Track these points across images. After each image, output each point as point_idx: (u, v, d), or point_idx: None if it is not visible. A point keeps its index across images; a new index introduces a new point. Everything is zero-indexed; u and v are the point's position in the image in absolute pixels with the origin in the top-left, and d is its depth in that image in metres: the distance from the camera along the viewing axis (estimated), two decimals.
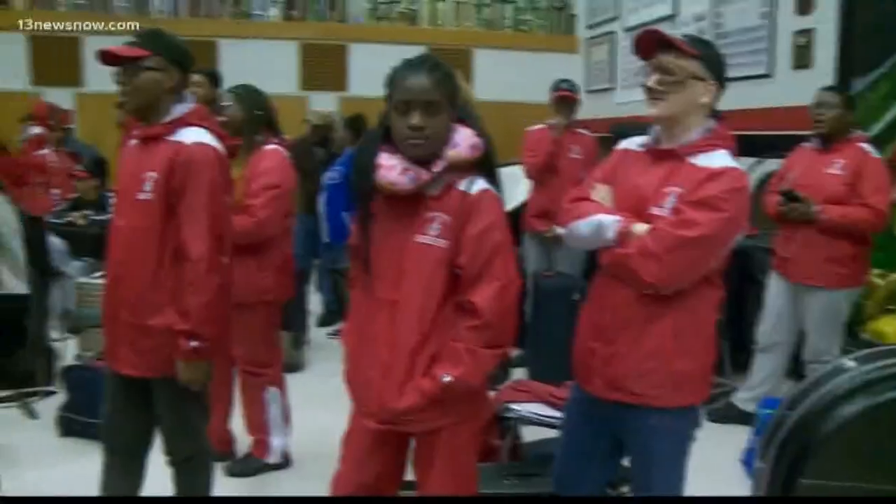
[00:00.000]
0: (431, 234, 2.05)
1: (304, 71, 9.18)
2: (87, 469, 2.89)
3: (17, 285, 1.70)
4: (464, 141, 2.06)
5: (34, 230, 1.76)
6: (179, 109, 2.58)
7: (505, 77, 8.99)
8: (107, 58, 2.51)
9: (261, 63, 7.96)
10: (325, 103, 8.31)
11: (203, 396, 2.69)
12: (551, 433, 3.22)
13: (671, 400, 2.21)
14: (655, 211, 2.16)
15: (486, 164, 2.11)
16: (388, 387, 2.09)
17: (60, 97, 8.01)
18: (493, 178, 2.12)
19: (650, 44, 2.22)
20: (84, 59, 8.54)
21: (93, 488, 2.76)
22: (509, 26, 9.71)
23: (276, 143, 3.55)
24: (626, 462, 2.43)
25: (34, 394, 4.39)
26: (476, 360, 2.03)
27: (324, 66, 9.19)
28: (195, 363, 2.51)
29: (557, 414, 3.12)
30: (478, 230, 2.03)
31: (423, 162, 2.04)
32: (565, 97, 5.33)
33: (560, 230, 2.39)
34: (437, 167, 2.04)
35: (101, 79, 8.59)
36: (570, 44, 9.50)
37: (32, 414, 4.33)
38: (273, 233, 3.45)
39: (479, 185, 2.07)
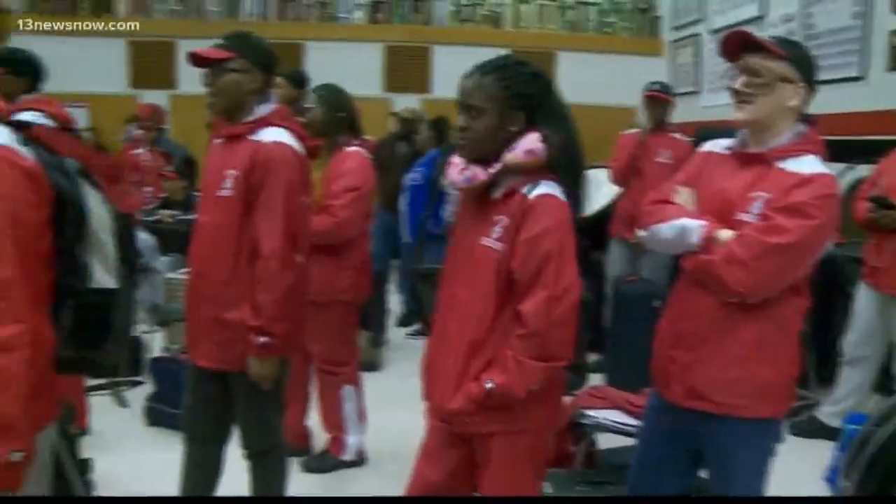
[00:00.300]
0: (493, 237, 2.02)
1: (388, 73, 9.24)
2: (171, 457, 2.95)
3: (108, 280, 1.73)
4: (523, 145, 2.01)
5: (124, 227, 1.79)
6: (262, 110, 2.62)
7: (588, 80, 8.86)
8: (195, 59, 2.57)
9: (345, 65, 8.03)
10: (408, 105, 8.34)
11: (279, 392, 2.72)
12: (628, 441, 3.15)
13: (753, 410, 2.13)
14: (741, 216, 2.08)
15: (558, 169, 2.04)
16: (444, 385, 2.08)
17: (155, 99, 8.24)
18: (567, 184, 2.06)
19: (737, 45, 2.14)
20: (178, 62, 8.76)
21: (176, 476, 2.82)
22: (593, 29, 9.58)
23: (357, 145, 3.57)
24: (703, 473, 2.35)
25: (124, 383, 4.54)
26: (521, 369, 1.96)
27: (408, 68, 9.23)
28: (265, 359, 2.54)
29: (635, 422, 3.04)
30: (530, 235, 1.97)
31: (488, 164, 2.02)
32: (652, 97, 5.20)
33: (641, 233, 2.31)
34: (493, 169, 2.01)
35: (193, 81, 8.84)
36: (654, 46, 9.33)
37: (123, 402, 4.47)
38: (352, 234, 3.47)
39: (541, 189, 2.00)
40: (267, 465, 2.80)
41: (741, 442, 2.16)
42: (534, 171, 2.01)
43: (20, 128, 1.67)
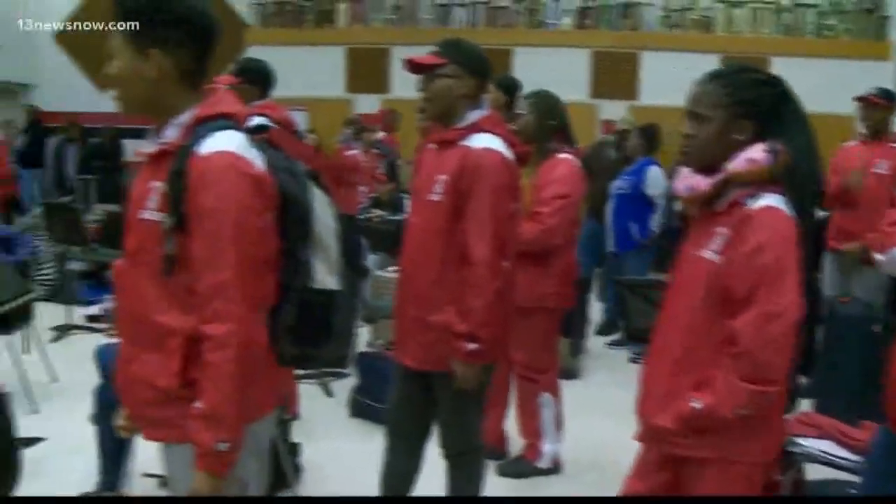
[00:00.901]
0: (710, 249, 1.91)
1: (595, 79, 9.11)
2: (372, 448, 3.02)
3: (330, 281, 1.79)
4: (745, 154, 1.88)
5: (349, 229, 1.84)
6: (474, 115, 2.62)
7: (806, 87, 8.17)
8: (410, 66, 2.62)
9: (552, 70, 7.97)
10: (615, 111, 8.19)
11: (481, 396, 2.72)
12: (839, 474, 2.90)
13: None
14: None
15: (783, 181, 1.90)
16: (653, 401, 2.00)
17: (368, 103, 8.58)
18: (795, 197, 1.90)
19: None
20: (391, 68, 9.06)
21: (376, 467, 2.88)
22: (811, 32, 9.00)
23: (568, 152, 3.52)
24: None
25: (332, 374, 4.73)
26: (730, 390, 1.83)
27: (615, 74, 9.07)
28: (471, 364, 2.54)
29: (850, 456, 2.79)
30: (747, 249, 1.84)
31: (714, 174, 1.92)
32: (869, 102, 4.75)
33: (879, 257, 2.10)
34: (714, 179, 1.91)
35: (404, 86, 9.30)
36: (880, 50, 8.63)
37: (329, 392, 4.67)
38: (559, 242, 3.42)
39: (764, 201, 1.86)
40: (464, 466, 2.81)
41: None
42: (758, 182, 1.88)
43: (255, 132, 1.75)
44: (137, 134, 9.59)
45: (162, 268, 1.65)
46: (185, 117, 1.70)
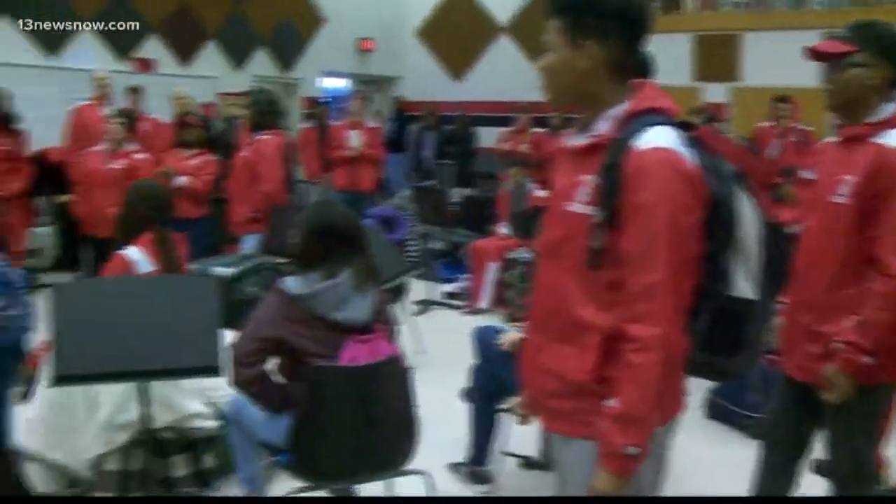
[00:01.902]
0: None
1: None
2: (726, 452, 2.84)
3: (748, 289, 1.65)
4: None
5: (773, 236, 1.67)
6: (889, 109, 2.32)
7: None
8: (814, 54, 2.38)
9: None
10: None
11: (876, 419, 2.44)
12: None
13: None
14: None
15: None
16: None
17: (717, 91, 8.16)
18: None
19: None
20: (742, 55, 8.53)
21: (732, 474, 2.71)
22: None
23: None
24: None
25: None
26: None
27: None
28: (851, 377, 2.26)
29: None
30: None
31: None
32: None
33: None
34: None
35: (757, 73, 8.73)
36: None
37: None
38: None
39: None
40: (847, 488, 2.52)
41: None
42: None
43: (686, 128, 1.65)
44: (487, 122, 10.10)
45: (587, 261, 1.61)
46: (617, 110, 1.65)
